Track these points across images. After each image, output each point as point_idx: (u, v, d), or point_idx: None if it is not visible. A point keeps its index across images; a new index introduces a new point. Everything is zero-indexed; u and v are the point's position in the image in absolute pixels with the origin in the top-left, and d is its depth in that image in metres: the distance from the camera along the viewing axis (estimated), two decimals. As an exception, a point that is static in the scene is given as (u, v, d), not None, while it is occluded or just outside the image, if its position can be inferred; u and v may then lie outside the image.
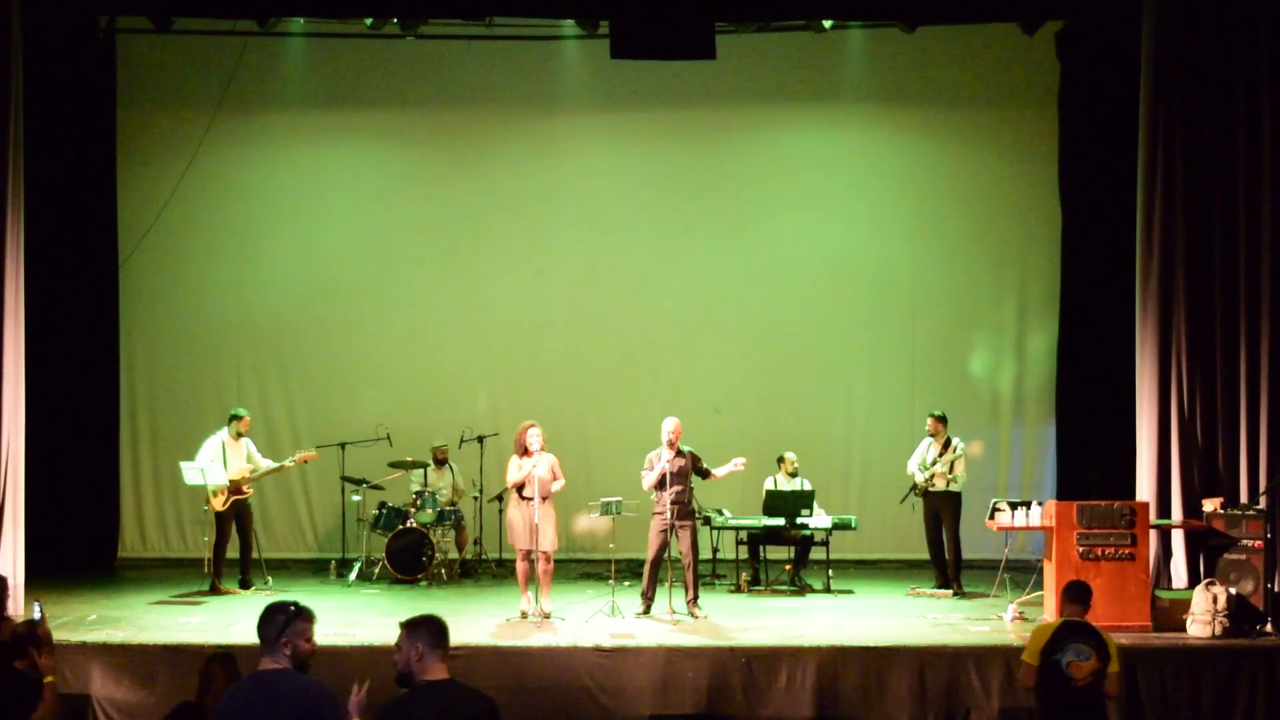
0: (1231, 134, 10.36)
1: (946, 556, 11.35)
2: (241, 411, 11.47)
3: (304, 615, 4.81)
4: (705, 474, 10.26)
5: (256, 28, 12.37)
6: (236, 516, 11.22)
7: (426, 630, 4.82)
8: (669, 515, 10.00)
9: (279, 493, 13.52)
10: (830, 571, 11.62)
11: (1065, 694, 6.77)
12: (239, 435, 11.29)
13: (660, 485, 10.03)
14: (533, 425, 9.98)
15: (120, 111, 13.33)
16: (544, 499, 9.85)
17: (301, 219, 13.70)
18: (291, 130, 13.71)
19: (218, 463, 11.10)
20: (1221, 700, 8.70)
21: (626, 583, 10.99)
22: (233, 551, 11.33)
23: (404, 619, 4.89)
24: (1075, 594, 7.15)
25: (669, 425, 10.12)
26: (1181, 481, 10.33)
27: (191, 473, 11.14)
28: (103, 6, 12.42)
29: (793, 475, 11.97)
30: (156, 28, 12.32)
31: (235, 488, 11.16)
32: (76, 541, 12.71)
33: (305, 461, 11.75)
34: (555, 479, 10.01)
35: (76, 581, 11.48)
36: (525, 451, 9.91)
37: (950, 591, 11.16)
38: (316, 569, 12.65)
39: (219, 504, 11.10)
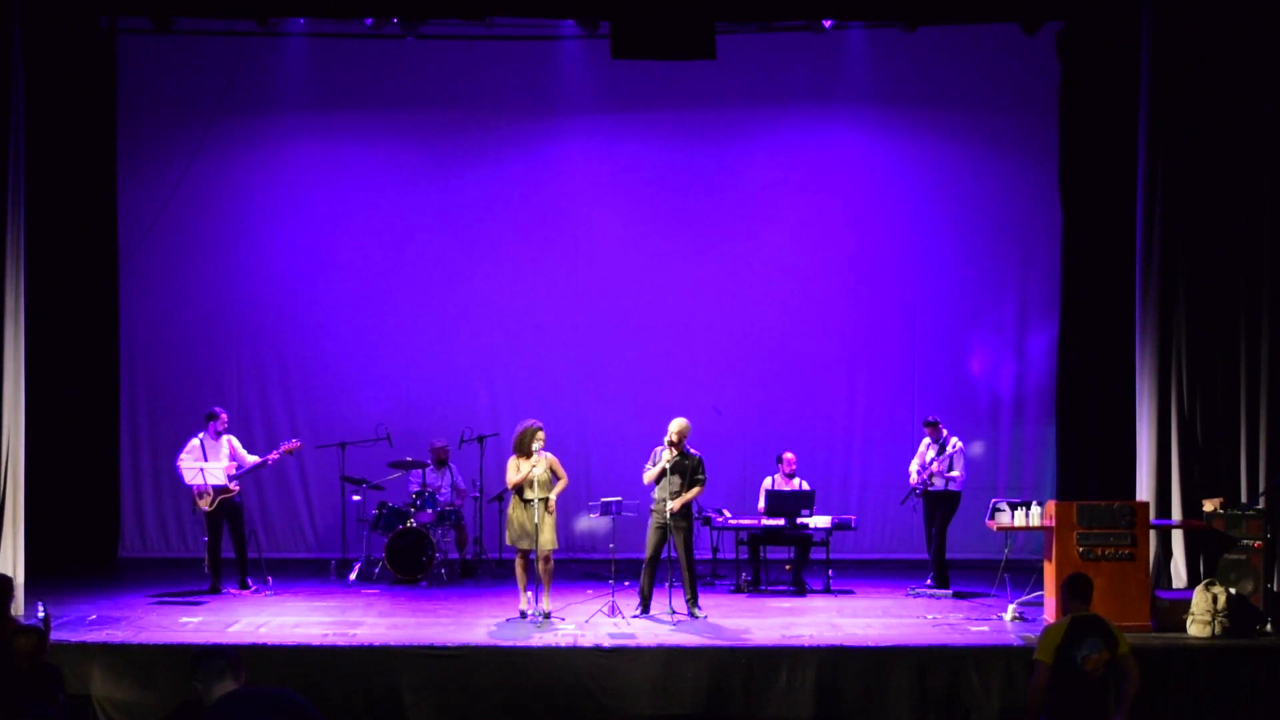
0: (1231, 133, 10.37)
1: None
2: (217, 410, 11.45)
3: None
4: (694, 482, 10.19)
5: (256, 28, 12.35)
6: (227, 516, 11.20)
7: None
8: (665, 513, 10.00)
9: (279, 493, 13.55)
10: (830, 571, 11.62)
11: (1077, 689, 6.78)
12: (218, 434, 11.27)
13: (659, 482, 10.04)
14: (533, 425, 9.95)
15: (120, 111, 13.33)
16: (543, 500, 9.84)
17: (301, 219, 13.71)
18: (291, 130, 13.71)
19: (206, 462, 11.11)
20: (1221, 700, 8.69)
21: (626, 583, 10.98)
22: (228, 551, 11.31)
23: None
24: (1078, 588, 7.15)
25: (673, 426, 10.11)
26: (1181, 481, 10.33)
27: (191, 472, 11.14)
28: (103, 6, 12.40)
29: (790, 476, 11.96)
30: (156, 28, 12.26)
31: (221, 487, 11.16)
32: (76, 541, 12.69)
33: (290, 452, 11.65)
34: (555, 479, 10.00)
35: (76, 581, 11.48)
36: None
37: (950, 591, 11.16)
38: (316, 569, 12.63)
39: (205, 504, 11.11)
